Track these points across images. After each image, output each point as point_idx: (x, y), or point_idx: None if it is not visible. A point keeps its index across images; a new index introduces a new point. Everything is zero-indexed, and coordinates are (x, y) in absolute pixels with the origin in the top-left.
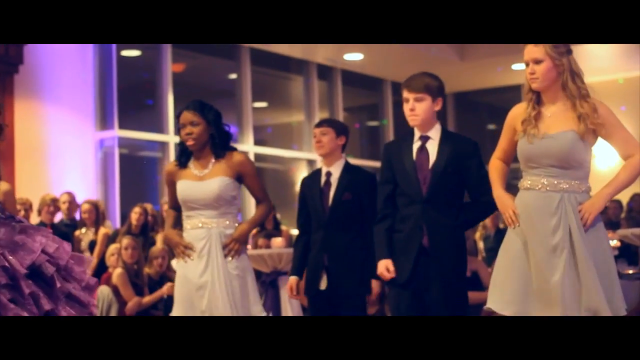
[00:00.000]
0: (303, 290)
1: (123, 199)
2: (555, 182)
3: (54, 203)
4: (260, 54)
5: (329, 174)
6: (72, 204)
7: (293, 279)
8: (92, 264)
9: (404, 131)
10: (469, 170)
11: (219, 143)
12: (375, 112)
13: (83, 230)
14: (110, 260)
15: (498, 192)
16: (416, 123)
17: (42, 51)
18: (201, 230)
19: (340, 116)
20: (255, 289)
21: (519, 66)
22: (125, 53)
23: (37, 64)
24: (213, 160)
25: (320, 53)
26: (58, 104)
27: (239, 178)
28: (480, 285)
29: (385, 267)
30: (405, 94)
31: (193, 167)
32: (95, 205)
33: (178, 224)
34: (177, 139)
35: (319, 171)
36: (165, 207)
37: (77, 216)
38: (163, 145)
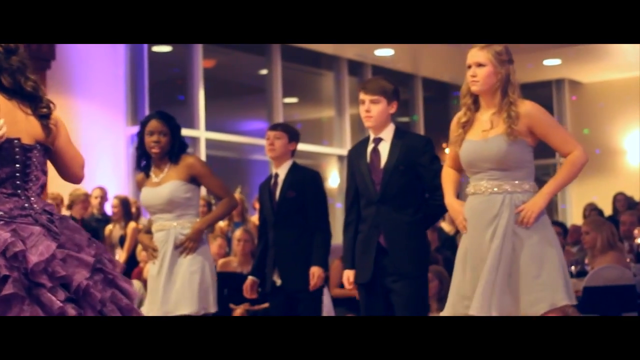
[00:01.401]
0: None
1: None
2: (498, 184)
3: (86, 198)
4: (290, 50)
5: (277, 176)
6: (104, 199)
7: (250, 278)
8: (122, 259)
9: (435, 128)
10: (420, 166)
11: (176, 152)
12: (405, 108)
13: (115, 225)
14: (141, 255)
15: (449, 199)
16: (370, 124)
17: (73, 47)
18: (161, 232)
19: None
20: (213, 284)
21: (550, 62)
22: (157, 49)
23: (69, 60)
24: (168, 166)
25: (350, 49)
26: (89, 99)
27: (193, 180)
28: None
29: (347, 277)
30: (362, 96)
31: (152, 174)
32: (123, 201)
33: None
34: (208, 135)
35: (271, 175)
36: None
37: (109, 211)
38: (194, 141)
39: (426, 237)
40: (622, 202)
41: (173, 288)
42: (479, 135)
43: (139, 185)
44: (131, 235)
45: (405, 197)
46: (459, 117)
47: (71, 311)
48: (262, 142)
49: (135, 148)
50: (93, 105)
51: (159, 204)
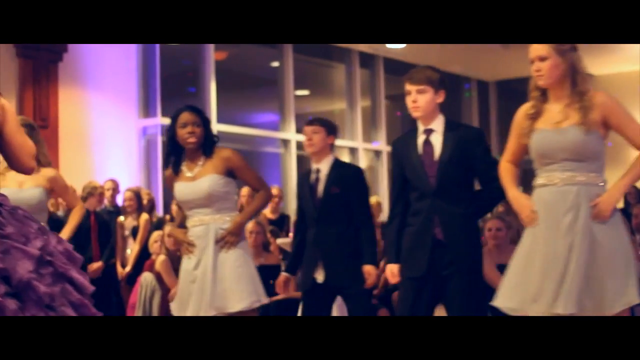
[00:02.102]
0: (294, 287)
1: (165, 186)
2: (572, 175)
3: (101, 191)
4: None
5: (318, 171)
6: (115, 191)
7: (284, 275)
8: (134, 251)
9: (452, 122)
10: (475, 158)
11: (210, 144)
12: None
13: (126, 217)
14: (153, 247)
15: (512, 193)
16: (418, 114)
17: None
18: (200, 227)
19: (382, 104)
20: (257, 277)
21: None
22: None
23: (81, 52)
24: (203, 159)
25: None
26: (101, 91)
27: (230, 173)
28: None
29: (390, 271)
30: (408, 87)
31: (185, 168)
32: (136, 193)
33: (184, 224)
34: (220, 127)
35: (310, 169)
36: (174, 207)
37: (120, 203)
38: None
39: (479, 230)
40: (634, 194)
41: (221, 285)
42: (551, 126)
43: (168, 182)
44: (144, 227)
45: (460, 190)
46: (526, 109)
47: (11, 305)
48: (273, 134)
49: (167, 143)
50: (105, 97)
51: (197, 199)
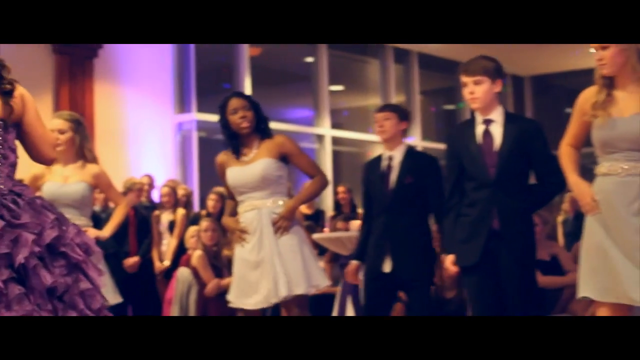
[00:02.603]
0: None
1: (201, 182)
2: (635, 165)
3: (141, 186)
4: None
5: (390, 158)
6: (151, 186)
7: (354, 263)
8: (172, 246)
9: (511, 114)
10: (534, 151)
11: (263, 127)
12: (451, 95)
13: (162, 212)
14: (189, 242)
15: (574, 178)
16: (477, 106)
17: None
18: (252, 212)
19: (417, 99)
20: (314, 260)
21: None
22: None
23: (116, 49)
24: (257, 144)
25: None
26: (137, 87)
27: (284, 159)
28: (559, 269)
29: (450, 261)
30: (464, 79)
31: (241, 153)
32: (173, 188)
33: (236, 212)
34: None
35: (380, 156)
36: (212, 196)
37: (156, 199)
38: None
39: (533, 223)
40: None
41: (283, 270)
42: (616, 113)
43: (219, 169)
44: (180, 222)
45: (519, 182)
46: (589, 95)
47: (14, 290)
48: (308, 129)
49: (222, 132)
50: (140, 93)
51: (250, 182)
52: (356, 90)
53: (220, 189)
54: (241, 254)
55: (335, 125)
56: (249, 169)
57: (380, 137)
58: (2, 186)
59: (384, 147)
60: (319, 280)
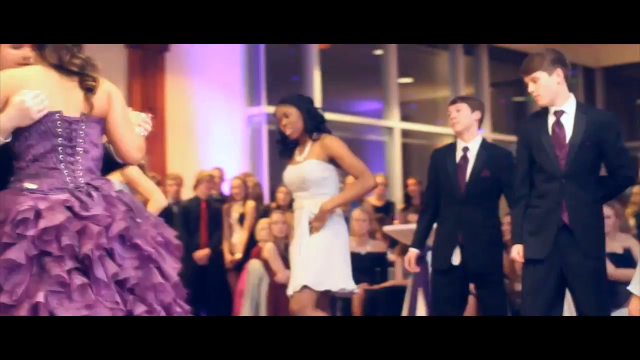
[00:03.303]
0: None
1: (271, 174)
2: None
3: (212, 179)
4: None
5: (466, 149)
6: (221, 179)
7: (414, 251)
8: (242, 238)
9: (583, 104)
10: (606, 142)
11: (309, 127)
12: (521, 87)
13: (232, 205)
14: (260, 234)
15: None
16: (543, 102)
17: None
18: (298, 210)
19: (486, 91)
20: (341, 263)
21: None
22: None
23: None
24: (309, 145)
25: None
26: (208, 80)
27: (331, 160)
28: (632, 262)
29: (517, 251)
30: (525, 79)
31: (297, 152)
32: (243, 181)
33: None
34: (327, 116)
35: (453, 145)
36: (282, 188)
37: (226, 191)
38: None
39: (603, 217)
40: None
41: (300, 267)
42: None
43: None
44: (250, 214)
45: (590, 174)
46: None
47: (76, 280)
48: (377, 122)
49: (270, 133)
50: (211, 86)
51: (295, 182)
52: (425, 83)
53: None
54: (290, 249)
55: (404, 117)
56: (295, 169)
57: (454, 128)
58: (80, 179)
59: (459, 138)
60: (331, 283)
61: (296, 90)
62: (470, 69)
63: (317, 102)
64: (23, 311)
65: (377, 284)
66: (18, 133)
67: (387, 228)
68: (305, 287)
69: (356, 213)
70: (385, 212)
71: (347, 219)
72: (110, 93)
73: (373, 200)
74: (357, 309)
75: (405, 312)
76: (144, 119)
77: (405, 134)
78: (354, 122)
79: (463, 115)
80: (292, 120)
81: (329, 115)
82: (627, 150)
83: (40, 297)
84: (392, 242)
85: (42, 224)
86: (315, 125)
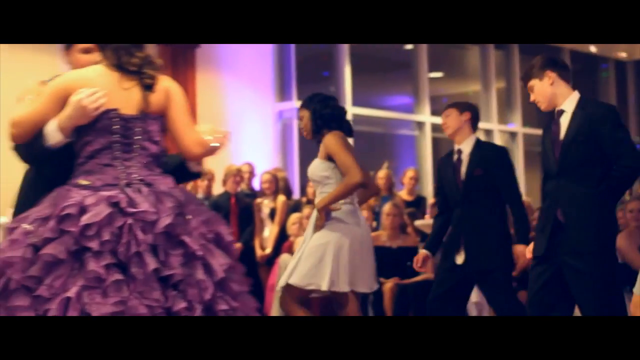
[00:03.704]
0: (432, 267)
1: (302, 170)
2: None
3: (239, 173)
4: None
5: (459, 152)
6: (252, 174)
7: (423, 252)
8: (273, 233)
9: (585, 100)
10: (602, 135)
11: (314, 128)
12: None
13: (263, 200)
14: (291, 229)
15: None
16: (543, 107)
17: None
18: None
19: (517, 86)
20: (336, 264)
21: None
22: None
23: None
24: (321, 143)
25: None
26: (238, 76)
27: (330, 158)
28: None
29: (527, 249)
30: (528, 88)
31: None
32: (274, 176)
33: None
34: (354, 110)
35: (451, 151)
36: (310, 189)
37: (256, 186)
38: None
39: (611, 210)
40: None
41: (293, 264)
42: None
43: None
44: (281, 209)
45: (586, 169)
46: None
47: (112, 276)
48: (408, 117)
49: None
50: (241, 81)
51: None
52: (456, 77)
53: None
54: None
55: (435, 112)
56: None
57: (446, 133)
58: (135, 175)
59: (455, 142)
60: (319, 283)
61: (326, 85)
62: (501, 63)
63: (348, 97)
64: (54, 305)
65: (408, 279)
66: (77, 131)
67: (418, 222)
68: (289, 285)
69: (387, 207)
70: (416, 206)
71: (379, 214)
72: (169, 90)
73: (404, 194)
74: (387, 303)
75: None
76: (219, 134)
77: (436, 128)
78: (385, 116)
79: (451, 119)
80: (305, 123)
81: (359, 110)
82: (626, 140)
83: (71, 293)
84: (423, 237)
85: (85, 219)
86: (319, 125)
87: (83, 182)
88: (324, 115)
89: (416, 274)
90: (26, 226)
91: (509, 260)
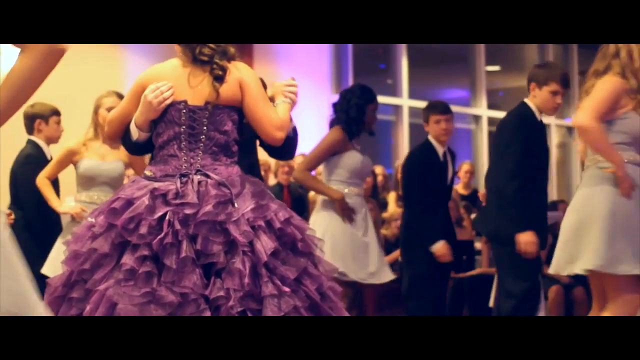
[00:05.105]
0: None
1: None
2: None
3: (287, 164)
4: None
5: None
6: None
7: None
8: None
9: None
10: None
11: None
12: None
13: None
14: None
15: (621, 158)
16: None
17: None
18: None
19: (576, 79)
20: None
21: None
22: None
23: None
24: None
25: None
26: (294, 68)
27: (334, 152)
28: None
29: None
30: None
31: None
32: None
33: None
34: (410, 103)
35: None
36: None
37: None
38: (397, 109)
39: None
40: None
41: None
42: None
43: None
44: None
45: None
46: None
47: (144, 267)
48: (464, 110)
49: None
50: (298, 73)
51: None
52: (513, 71)
53: (375, 167)
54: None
55: (491, 105)
56: None
57: (445, 139)
58: (196, 165)
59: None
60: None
61: (382, 77)
62: (559, 57)
63: (405, 89)
64: (91, 298)
65: (463, 272)
66: (153, 124)
67: (474, 216)
68: None
69: None
70: (471, 200)
71: None
72: (243, 79)
73: (460, 188)
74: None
75: (492, 300)
76: (286, 85)
77: (492, 122)
78: None
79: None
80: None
81: (415, 103)
82: None
83: (105, 286)
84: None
85: (127, 213)
86: (332, 120)
87: (148, 172)
88: (339, 111)
89: (472, 267)
90: (90, 219)
91: None
